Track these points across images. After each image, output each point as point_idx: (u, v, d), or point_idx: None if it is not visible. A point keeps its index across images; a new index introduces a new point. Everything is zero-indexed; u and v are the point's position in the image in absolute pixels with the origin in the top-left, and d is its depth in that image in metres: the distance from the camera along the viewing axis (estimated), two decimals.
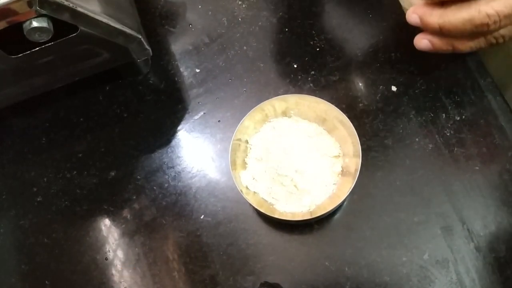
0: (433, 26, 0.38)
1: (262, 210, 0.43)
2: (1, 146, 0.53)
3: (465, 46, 0.39)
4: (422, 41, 0.40)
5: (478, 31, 0.36)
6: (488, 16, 0.35)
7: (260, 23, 0.55)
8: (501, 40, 0.37)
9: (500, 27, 0.36)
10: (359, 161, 0.43)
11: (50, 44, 0.42)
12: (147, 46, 0.48)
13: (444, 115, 0.48)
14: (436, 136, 0.48)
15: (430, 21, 0.37)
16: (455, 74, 0.50)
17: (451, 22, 0.36)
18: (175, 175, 0.49)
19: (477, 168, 0.46)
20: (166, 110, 0.52)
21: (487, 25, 0.35)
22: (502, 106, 0.48)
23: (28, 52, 0.42)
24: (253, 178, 0.46)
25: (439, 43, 0.39)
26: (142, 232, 0.47)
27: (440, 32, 0.38)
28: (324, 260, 0.44)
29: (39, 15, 0.38)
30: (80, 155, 0.51)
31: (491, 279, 0.42)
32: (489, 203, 0.45)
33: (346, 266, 0.44)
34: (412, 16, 0.39)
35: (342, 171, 0.45)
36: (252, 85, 0.52)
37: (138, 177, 0.50)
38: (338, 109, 0.44)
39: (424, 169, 0.46)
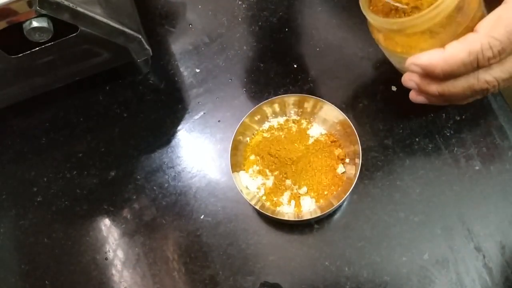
0: (432, 93, 0.37)
1: (262, 210, 0.43)
2: (1, 146, 0.53)
3: (462, 101, 0.39)
4: (418, 97, 0.39)
5: (477, 95, 0.36)
6: (487, 82, 0.34)
7: (260, 23, 0.55)
8: (497, 90, 0.37)
9: (499, 89, 0.36)
10: (359, 161, 0.43)
11: (50, 44, 0.42)
12: (147, 46, 0.48)
13: (444, 115, 0.48)
14: (436, 136, 0.48)
15: (429, 89, 0.37)
16: None
17: (450, 90, 0.36)
18: (175, 175, 0.49)
19: (477, 168, 0.46)
20: (166, 110, 0.52)
21: (487, 90, 0.35)
22: (502, 106, 0.48)
23: (28, 52, 0.42)
24: (253, 178, 0.46)
25: (436, 100, 0.39)
26: (142, 232, 0.47)
27: (439, 96, 0.37)
28: (324, 260, 0.44)
29: (39, 15, 0.38)
30: (80, 155, 0.51)
31: (491, 279, 0.42)
32: (489, 203, 0.45)
33: (346, 266, 0.44)
34: (409, 82, 0.38)
35: (342, 171, 0.45)
36: (252, 85, 0.52)
37: (138, 177, 0.50)
38: (338, 109, 0.44)
39: (424, 169, 0.46)
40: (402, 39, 0.38)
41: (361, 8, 0.39)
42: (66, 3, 0.39)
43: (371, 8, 0.40)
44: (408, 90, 0.49)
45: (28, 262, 0.48)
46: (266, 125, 0.48)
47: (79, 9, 0.40)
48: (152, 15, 0.57)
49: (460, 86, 0.35)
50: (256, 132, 0.48)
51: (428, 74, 0.35)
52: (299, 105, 0.47)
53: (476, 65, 0.33)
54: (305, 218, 0.43)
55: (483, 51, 0.32)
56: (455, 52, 0.33)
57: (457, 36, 0.35)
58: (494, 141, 0.47)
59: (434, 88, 0.36)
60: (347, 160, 0.46)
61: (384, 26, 0.37)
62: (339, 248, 0.45)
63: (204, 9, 0.57)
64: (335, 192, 0.45)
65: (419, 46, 0.37)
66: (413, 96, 0.40)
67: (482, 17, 0.35)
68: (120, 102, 0.53)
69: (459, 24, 0.35)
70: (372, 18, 0.38)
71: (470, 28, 0.35)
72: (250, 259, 0.45)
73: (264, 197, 0.45)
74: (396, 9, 0.39)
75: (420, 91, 0.38)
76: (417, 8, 0.37)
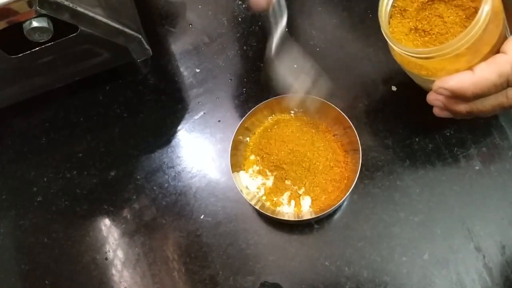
0: (461, 112, 0.37)
1: (262, 210, 0.43)
2: (1, 146, 0.53)
3: (489, 115, 0.38)
4: (443, 113, 0.39)
5: (506, 110, 0.36)
6: None
7: (260, 23, 0.55)
8: None
9: None
10: (359, 161, 0.43)
11: (50, 44, 0.42)
12: (147, 46, 0.48)
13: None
14: (436, 136, 0.48)
15: (457, 109, 0.37)
16: None
17: (479, 109, 0.36)
18: (175, 175, 0.49)
19: (477, 168, 0.46)
20: (166, 110, 0.52)
21: None
22: None
23: (28, 52, 0.42)
24: (253, 178, 0.46)
25: (462, 116, 0.38)
26: (142, 232, 0.47)
27: (466, 114, 0.37)
28: (324, 260, 0.44)
29: (39, 15, 0.38)
30: (80, 155, 0.51)
31: (491, 279, 0.42)
32: (489, 203, 0.45)
33: (346, 266, 0.44)
34: (435, 102, 0.38)
35: (342, 171, 0.45)
36: (252, 85, 0.52)
37: (138, 177, 0.50)
38: (338, 109, 0.45)
39: (424, 169, 0.46)
40: (427, 62, 0.37)
41: (384, 35, 0.38)
42: (66, 3, 0.39)
43: (390, 29, 0.39)
44: (408, 90, 0.49)
45: (28, 262, 0.48)
46: (266, 125, 0.48)
47: (79, 9, 0.40)
48: (152, 15, 0.57)
49: (489, 105, 0.35)
50: (256, 132, 0.48)
51: (457, 97, 0.35)
52: (299, 105, 0.47)
53: (506, 85, 0.33)
54: (305, 218, 0.43)
55: None
56: (485, 75, 0.33)
57: (483, 56, 0.35)
58: (494, 141, 0.47)
59: (462, 107, 0.36)
60: (347, 160, 0.45)
61: (410, 55, 0.37)
62: (339, 248, 0.45)
63: (204, 9, 0.57)
64: (335, 192, 0.44)
65: (445, 68, 0.36)
66: (437, 111, 0.39)
67: (505, 36, 0.35)
68: (120, 102, 0.53)
69: (485, 44, 0.35)
70: (398, 47, 0.37)
71: (496, 47, 0.34)
72: (250, 259, 0.45)
73: (264, 197, 0.45)
74: (416, 28, 0.39)
75: (448, 110, 0.38)
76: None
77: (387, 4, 0.39)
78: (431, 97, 0.38)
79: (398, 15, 0.39)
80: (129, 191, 0.49)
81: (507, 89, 0.34)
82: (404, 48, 0.37)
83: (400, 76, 0.50)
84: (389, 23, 0.39)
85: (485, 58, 0.34)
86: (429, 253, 0.44)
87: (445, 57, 0.35)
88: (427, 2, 0.38)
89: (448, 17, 0.37)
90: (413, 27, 0.39)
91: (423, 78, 0.39)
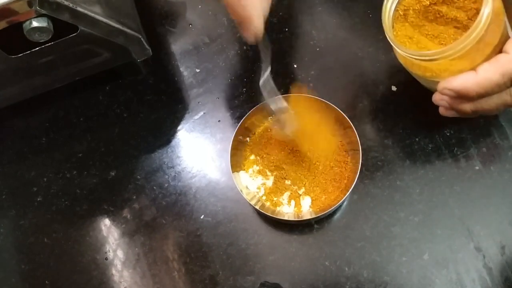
0: (466, 112, 0.37)
1: (262, 210, 0.43)
2: (1, 146, 0.53)
3: (494, 113, 0.39)
4: (448, 112, 0.39)
5: (510, 107, 0.37)
6: None
7: None
8: None
9: None
10: (359, 161, 0.43)
11: (50, 44, 0.42)
12: (147, 46, 0.48)
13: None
14: (436, 136, 0.48)
15: (462, 108, 0.37)
16: None
17: (484, 108, 0.36)
18: (175, 175, 0.49)
19: (477, 168, 0.46)
20: (166, 110, 0.52)
21: None
22: None
23: (28, 52, 0.42)
24: (253, 178, 0.46)
25: (467, 115, 0.38)
26: (142, 232, 0.47)
27: (471, 113, 0.37)
28: (324, 260, 0.44)
29: (39, 15, 0.38)
30: (80, 155, 0.51)
31: (491, 279, 0.42)
32: (489, 203, 0.45)
33: (346, 266, 0.44)
34: (441, 102, 0.38)
35: (342, 171, 0.45)
36: (252, 85, 0.52)
37: (138, 177, 0.50)
38: (338, 109, 0.45)
39: (424, 169, 0.46)
40: (431, 64, 0.37)
41: (388, 38, 0.38)
42: (66, 3, 0.39)
43: (394, 33, 0.39)
44: (408, 90, 0.50)
45: (28, 262, 0.48)
46: (266, 125, 0.48)
47: (79, 9, 0.40)
48: (152, 15, 0.57)
49: (494, 103, 0.36)
50: (256, 132, 0.48)
51: (461, 97, 0.35)
52: (299, 105, 0.47)
53: (510, 84, 0.34)
54: (305, 218, 0.43)
55: None
56: (488, 75, 0.33)
57: (486, 56, 0.35)
58: (494, 141, 0.47)
59: (467, 107, 0.37)
60: (347, 160, 0.45)
61: (414, 58, 0.37)
62: (339, 248, 0.45)
63: (204, 9, 0.57)
64: (335, 192, 0.44)
65: (449, 69, 0.36)
66: (443, 111, 0.39)
67: (507, 36, 0.35)
68: (120, 102, 0.53)
69: (487, 45, 0.35)
70: (402, 50, 0.37)
71: (498, 47, 0.35)
72: (250, 259, 0.45)
73: (264, 197, 0.45)
74: (419, 30, 0.39)
75: (453, 109, 0.38)
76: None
77: (390, 7, 0.39)
78: (437, 98, 0.38)
79: (402, 19, 0.40)
80: (129, 191, 0.49)
81: (511, 87, 0.34)
82: (408, 51, 0.37)
83: (400, 76, 0.50)
84: (392, 27, 0.40)
85: (487, 58, 0.35)
86: (429, 253, 0.44)
87: (449, 59, 0.35)
88: (430, 5, 0.38)
89: (451, 19, 0.37)
90: (416, 30, 0.39)
91: (428, 79, 0.39)
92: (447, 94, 0.36)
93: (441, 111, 0.40)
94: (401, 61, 0.41)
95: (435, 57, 0.36)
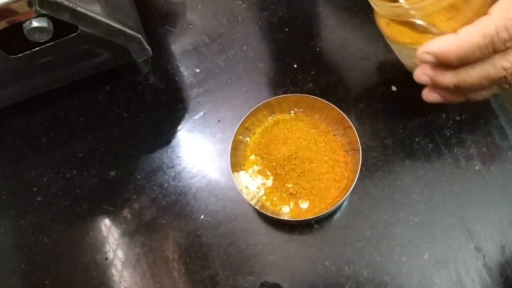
0: (447, 85, 0.35)
1: (262, 210, 0.43)
2: (1, 146, 0.53)
3: (478, 95, 0.37)
4: (432, 95, 0.38)
5: (495, 84, 0.35)
6: (505, 69, 0.33)
7: (260, 23, 0.55)
8: None
9: None
10: (359, 161, 0.43)
11: (50, 44, 0.42)
12: (147, 46, 0.48)
13: (444, 115, 0.48)
14: (436, 136, 0.48)
15: (443, 81, 0.35)
16: None
17: (466, 80, 0.34)
18: (175, 175, 0.49)
19: (477, 168, 0.46)
20: (166, 110, 0.52)
21: (505, 77, 0.33)
22: (502, 106, 0.48)
23: (28, 52, 0.42)
24: (253, 178, 0.46)
25: (451, 97, 0.37)
26: (142, 232, 0.47)
27: (454, 89, 0.35)
28: (324, 260, 0.44)
29: (39, 15, 0.38)
30: (80, 155, 0.51)
31: (491, 279, 0.42)
32: (489, 203, 0.45)
33: (346, 266, 0.44)
34: (421, 77, 0.36)
35: (342, 171, 0.45)
36: (252, 85, 0.52)
37: (138, 177, 0.50)
38: (338, 109, 0.45)
39: (424, 169, 0.46)
40: (411, 28, 0.36)
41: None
42: (66, 3, 0.39)
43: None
44: (408, 90, 0.49)
45: (28, 262, 0.48)
46: (266, 125, 0.48)
47: (79, 9, 0.40)
48: (152, 15, 0.57)
49: (476, 75, 0.33)
50: (256, 132, 0.48)
51: (442, 63, 0.34)
52: (299, 105, 0.47)
53: (492, 49, 0.32)
54: (305, 218, 0.43)
55: (498, 33, 0.31)
56: (469, 36, 0.32)
57: (467, 20, 0.33)
58: (494, 141, 0.47)
59: (448, 78, 0.34)
60: (347, 160, 0.45)
61: (390, 12, 0.36)
62: (339, 248, 0.45)
63: (204, 9, 0.57)
64: (335, 192, 0.44)
65: (429, 36, 0.35)
66: (427, 94, 0.38)
67: (493, 2, 0.34)
68: (120, 102, 0.53)
69: (470, 9, 0.34)
70: (377, 4, 0.36)
71: (482, 14, 0.33)
72: (250, 259, 0.45)
73: (264, 197, 0.45)
74: None
75: (434, 85, 0.36)
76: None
77: None
78: (418, 72, 0.37)
79: None
80: (129, 191, 0.49)
81: (494, 57, 0.33)
82: (388, 4, 0.36)
83: (400, 76, 0.50)
84: None
85: (469, 22, 0.33)
86: (429, 253, 0.44)
87: (428, 12, 0.34)
88: None
89: None
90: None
91: (408, 48, 0.38)
92: (426, 60, 0.34)
93: (425, 95, 0.38)
94: (382, 28, 0.39)
95: (414, 7, 0.34)
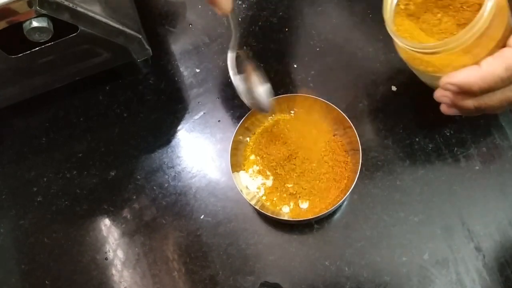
0: (468, 108, 0.36)
1: (262, 210, 0.43)
2: (1, 146, 0.53)
3: (495, 111, 0.38)
4: (450, 110, 0.38)
5: None
6: None
7: (260, 23, 0.55)
8: None
9: None
10: (359, 161, 0.43)
11: (50, 44, 0.42)
12: (147, 46, 0.48)
13: (444, 115, 0.48)
14: (436, 136, 0.48)
15: (465, 105, 0.36)
16: None
17: (487, 104, 0.35)
18: (175, 175, 0.49)
19: (477, 168, 0.46)
20: (166, 110, 0.52)
21: None
22: None
23: (28, 52, 0.42)
24: (253, 178, 0.46)
25: (470, 113, 0.37)
26: (142, 232, 0.47)
27: (474, 110, 0.36)
28: (324, 260, 0.44)
29: (39, 15, 0.38)
30: (80, 155, 0.51)
31: (491, 279, 0.42)
32: (489, 203, 0.45)
33: (346, 266, 0.44)
34: (443, 99, 0.37)
35: (342, 171, 0.45)
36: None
37: (138, 177, 0.50)
38: (338, 109, 0.45)
39: (424, 169, 0.46)
40: (433, 58, 0.37)
41: (390, 31, 0.38)
42: (66, 3, 0.39)
43: (395, 28, 0.39)
44: (408, 90, 0.49)
45: (28, 262, 0.48)
46: (266, 125, 0.48)
47: (79, 9, 0.40)
48: (152, 15, 0.57)
49: (497, 99, 0.35)
50: (256, 132, 0.48)
51: (464, 92, 0.35)
52: (299, 105, 0.47)
53: None
54: (305, 218, 0.43)
55: None
56: (492, 69, 0.33)
57: (489, 51, 0.34)
58: (494, 141, 0.47)
59: (470, 103, 0.36)
60: (347, 160, 0.45)
61: (416, 50, 0.36)
62: (339, 248, 0.45)
63: (204, 9, 0.57)
64: (335, 192, 0.44)
65: (451, 64, 0.36)
66: (446, 109, 0.39)
67: (511, 30, 0.35)
68: (120, 102, 0.53)
69: (491, 40, 0.34)
70: (404, 43, 0.37)
71: (502, 42, 0.34)
72: (250, 259, 0.45)
73: (264, 197, 0.45)
74: (421, 25, 0.38)
75: (455, 106, 0.37)
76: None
77: (391, 1, 0.39)
78: (438, 94, 0.38)
79: (403, 13, 0.39)
80: (129, 191, 0.49)
81: None
82: (410, 43, 0.36)
83: (400, 76, 0.50)
84: (394, 22, 0.39)
85: (491, 53, 0.34)
86: (429, 253, 0.44)
87: (451, 52, 0.35)
88: None
89: (454, 13, 0.37)
90: (417, 25, 0.38)
91: (430, 75, 0.39)
92: (450, 89, 0.35)
93: (443, 109, 0.39)
94: (403, 56, 0.40)
95: (437, 49, 0.35)
